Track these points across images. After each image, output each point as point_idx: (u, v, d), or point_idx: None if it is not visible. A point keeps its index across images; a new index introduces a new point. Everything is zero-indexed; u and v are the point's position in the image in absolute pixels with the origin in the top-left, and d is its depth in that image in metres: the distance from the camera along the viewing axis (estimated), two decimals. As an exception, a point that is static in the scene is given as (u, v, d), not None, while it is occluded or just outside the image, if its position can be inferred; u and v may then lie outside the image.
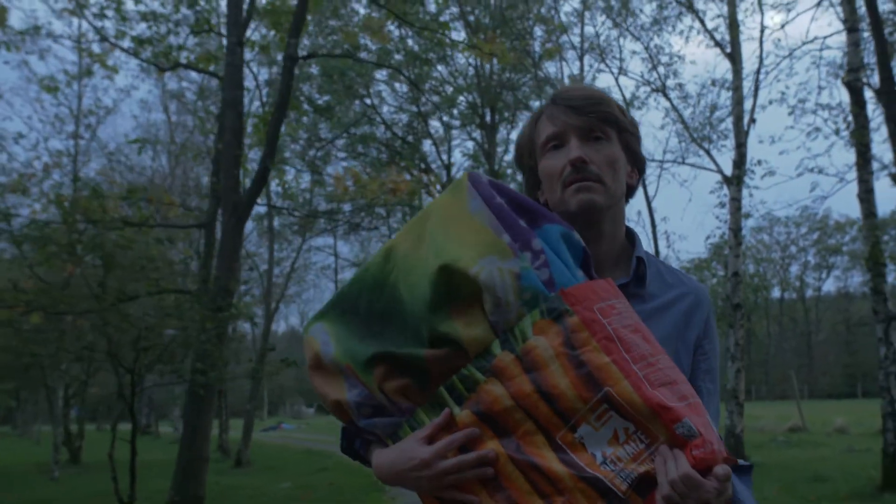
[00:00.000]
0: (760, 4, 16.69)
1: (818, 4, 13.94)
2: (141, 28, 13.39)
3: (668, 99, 20.88)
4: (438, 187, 25.28)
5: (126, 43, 13.60)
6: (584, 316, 1.44)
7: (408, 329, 1.55)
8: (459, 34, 24.45)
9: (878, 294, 11.87)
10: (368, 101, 25.03)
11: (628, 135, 1.70)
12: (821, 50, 15.65)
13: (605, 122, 1.66)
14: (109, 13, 12.67)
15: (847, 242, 61.11)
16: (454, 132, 28.08)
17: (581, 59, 24.66)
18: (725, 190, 17.28)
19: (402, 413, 1.57)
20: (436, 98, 24.84)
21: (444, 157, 28.04)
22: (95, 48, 15.50)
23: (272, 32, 14.96)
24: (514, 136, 28.35)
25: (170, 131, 31.59)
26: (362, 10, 19.47)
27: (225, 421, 26.06)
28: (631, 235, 1.77)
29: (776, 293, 70.16)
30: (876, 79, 11.98)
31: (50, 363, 18.14)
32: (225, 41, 12.95)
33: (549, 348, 1.44)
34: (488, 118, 25.67)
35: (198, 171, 31.24)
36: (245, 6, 12.18)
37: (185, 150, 24.56)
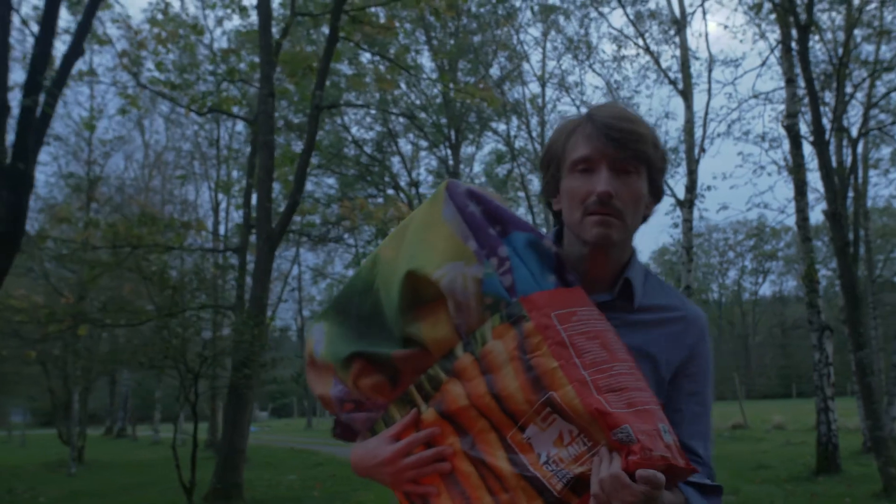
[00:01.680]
0: (711, 60, 18.58)
1: (763, 64, 15.94)
2: (170, 75, 14.68)
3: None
4: (405, 199, 26.48)
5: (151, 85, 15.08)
6: (539, 322, 1.46)
7: (386, 330, 1.60)
8: (424, 56, 25.78)
9: (812, 307, 13.83)
10: (339, 121, 26.19)
11: (656, 170, 1.67)
12: (765, 104, 17.44)
13: (638, 159, 1.61)
14: (149, 63, 14.11)
15: (782, 248, 62.37)
16: (422, 151, 29.33)
17: (542, 87, 25.96)
18: (678, 212, 18.41)
19: (377, 408, 1.63)
20: (404, 120, 25.64)
21: (413, 174, 29.12)
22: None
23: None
24: (478, 154, 29.95)
25: (144, 144, 32.72)
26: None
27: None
28: (630, 256, 1.73)
29: (715, 296, 72.24)
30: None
31: (57, 370, 19.40)
32: (250, 88, 14.39)
33: (504, 352, 1.46)
34: (453, 137, 27.01)
35: (174, 183, 32.34)
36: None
37: (227, 183, 25.68)
